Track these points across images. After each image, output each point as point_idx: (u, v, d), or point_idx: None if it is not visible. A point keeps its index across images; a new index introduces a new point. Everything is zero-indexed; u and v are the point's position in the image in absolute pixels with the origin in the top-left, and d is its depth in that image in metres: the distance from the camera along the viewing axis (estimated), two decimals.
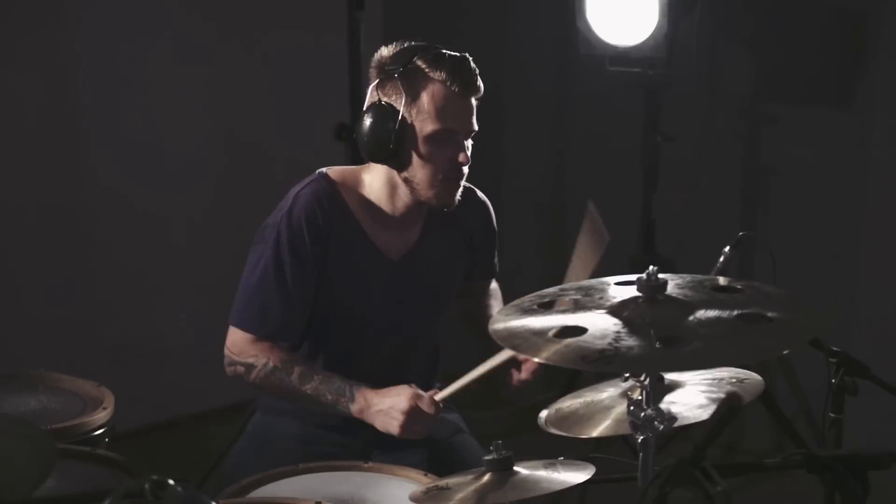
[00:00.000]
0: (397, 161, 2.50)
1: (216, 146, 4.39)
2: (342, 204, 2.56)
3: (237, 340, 2.56)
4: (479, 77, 2.50)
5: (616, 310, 1.90)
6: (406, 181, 2.52)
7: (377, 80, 2.50)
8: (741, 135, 4.22)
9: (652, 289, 1.90)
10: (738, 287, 2.00)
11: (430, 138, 2.47)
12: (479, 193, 2.74)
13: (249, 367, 2.54)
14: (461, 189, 2.56)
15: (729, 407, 1.60)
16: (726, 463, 1.83)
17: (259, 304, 2.53)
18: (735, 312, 1.87)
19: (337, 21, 3.93)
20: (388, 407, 2.44)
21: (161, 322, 4.35)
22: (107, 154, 4.15)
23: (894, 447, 1.85)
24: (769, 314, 1.87)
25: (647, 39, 3.87)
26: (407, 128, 2.47)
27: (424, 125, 2.46)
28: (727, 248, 2.30)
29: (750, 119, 4.20)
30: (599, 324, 1.86)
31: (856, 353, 2.46)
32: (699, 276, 2.06)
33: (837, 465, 1.82)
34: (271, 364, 2.52)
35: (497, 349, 2.34)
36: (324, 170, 2.60)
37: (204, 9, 4.30)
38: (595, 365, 1.76)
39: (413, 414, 2.42)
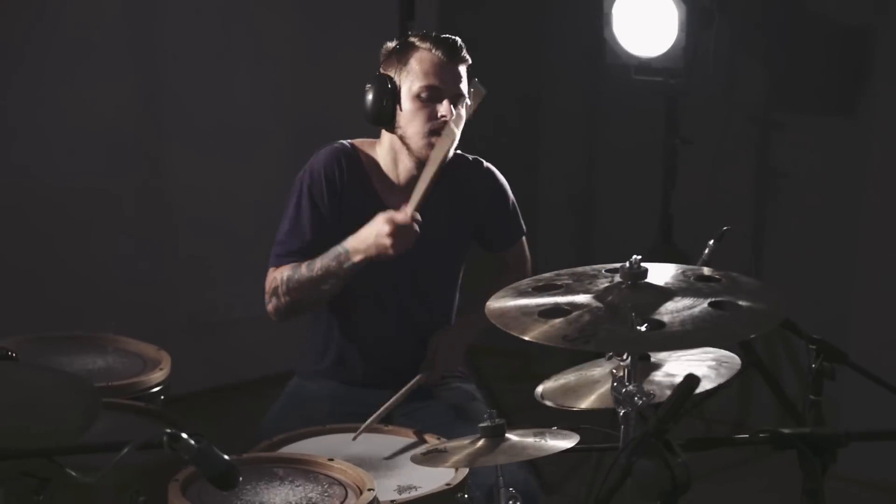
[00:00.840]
0: (391, 121, 2.56)
1: (284, 131, 4.40)
2: (358, 163, 2.62)
3: (267, 280, 2.62)
4: (464, 50, 2.55)
5: (601, 294, 1.87)
6: (401, 139, 2.57)
7: (381, 63, 2.59)
8: (753, 139, 4.14)
9: (634, 276, 1.87)
10: (717, 277, 1.96)
11: (417, 95, 2.53)
12: (486, 163, 2.73)
13: (274, 291, 2.59)
14: (453, 146, 2.52)
15: (686, 386, 1.56)
16: (699, 438, 1.80)
17: (282, 244, 2.61)
18: (709, 300, 1.83)
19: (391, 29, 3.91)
20: (374, 237, 2.46)
21: (233, 293, 4.37)
22: (182, 134, 4.17)
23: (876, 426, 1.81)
24: (740, 302, 1.82)
25: (669, 51, 3.81)
26: (397, 91, 2.54)
27: (413, 84, 2.53)
28: (711, 241, 2.25)
29: (761, 125, 4.12)
30: (583, 306, 1.83)
31: (853, 345, 2.41)
32: (684, 266, 2.01)
33: (799, 443, 1.77)
34: (286, 274, 2.56)
35: None
36: (344, 140, 2.67)
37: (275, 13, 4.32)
38: (574, 343, 1.73)
39: (396, 231, 2.44)
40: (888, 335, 3.71)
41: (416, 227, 2.46)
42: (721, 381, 2.00)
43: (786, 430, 1.82)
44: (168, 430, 1.56)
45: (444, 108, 2.52)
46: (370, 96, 2.56)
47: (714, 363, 2.07)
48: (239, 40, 4.26)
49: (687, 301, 1.82)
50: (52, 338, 2.78)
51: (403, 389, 2.49)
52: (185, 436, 1.56)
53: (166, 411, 2.46)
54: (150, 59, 4.09)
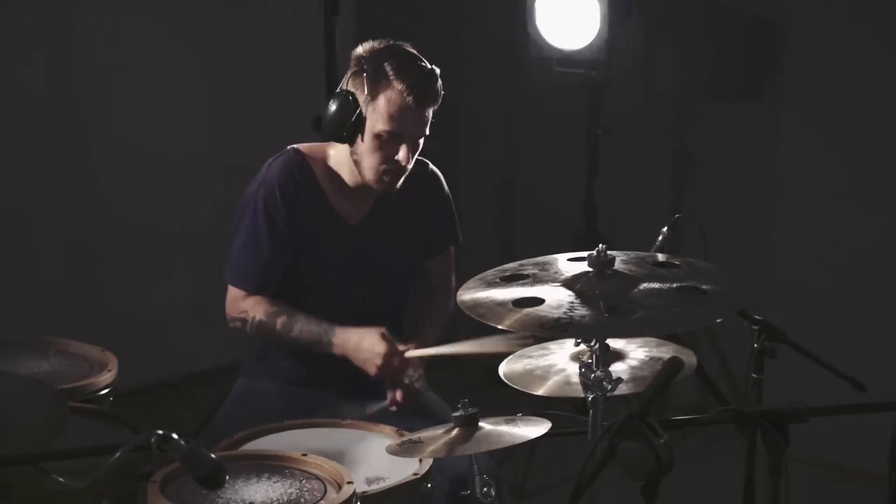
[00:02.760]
0: (350, 143, 2.52)
1: (208, 123, 4.34)
2: (310, 173, 2.58)
3: (232, 297, 2.60)
4: (440, 90, 2.49)
5: (569, 282, 1.90)
6: (355, 162, 2.54)
7: (352, 72, 2.50)
8: (671, 127, 4.24)
9: (601, 264, 1.90)
10: (676, 263, 2.00)
11: (378, 136, 2.47)
12: (431, 166, 2.72)
13: (243, 321, 2.58)
14: (402, 179, 2.54)
15: (671, 368, 1.59)
16: (662, 419, 1.84)
17: (242, 262, 2.57)
18: (674, 285, 1.87)
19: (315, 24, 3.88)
20: (364, 354, 2.48)
21: (162, 289, 4.29)
22: (110, 125, 4.07)
23: (811, 403, 1.87)
24: (704, 287, 1.87)
25: (590, 44, 3.86)
26: (362, 120, 2.47)
27: (376, 123, 2.46)
28: (665, 228, 2.30)
29: (679, 114, 4.22)
30: (555, 295, 1.85)
31: (769, 319, 2.49)
32: (642, 253, 2.05)
33: (762, 420, 1.83)
34: (258, 318, 2.55)
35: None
36: (294, 146, 2.62)
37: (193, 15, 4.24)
38: (552, 332, 1.75)
39: (386, 366, 2.47)
40: (803, 313, 3.84)
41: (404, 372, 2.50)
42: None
43: (748, 408, 1.88)
44: (158, 432, 1.54)
45: (402, 153, 2.48)
46: (332, 113, 2.49)
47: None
48: (158, 30, 4.17)
49: (653, 287, 1.85)
50: None
51: (373, 407, 2.52)
52: (175, 436, 1.54)
53: (118, 412, 2.41)
54: (70, 56, 3.98)
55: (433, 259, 2.76)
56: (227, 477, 1.89)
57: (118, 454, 1.50)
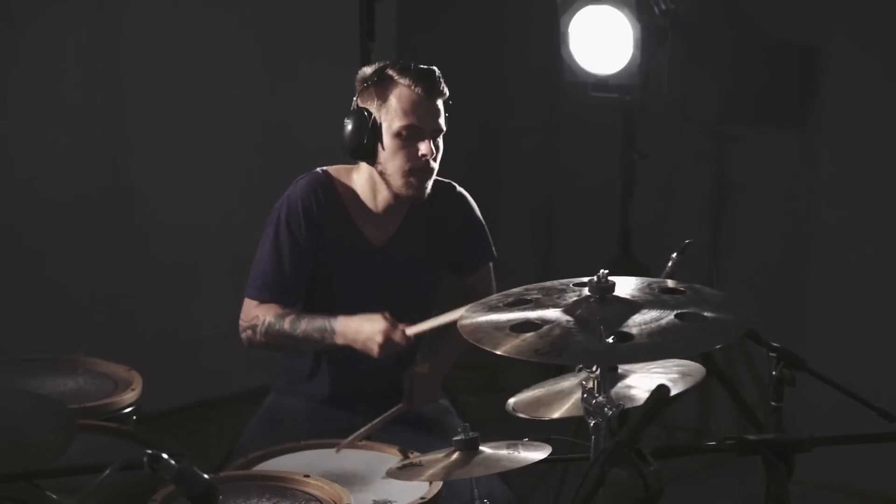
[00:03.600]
0: (372, 157, 2.54)
1: (247, 138, 4.39)
2: (335, 194, 2.60)
3: (245, 308, 2.62)
4: (443, 83, 2.54)
5: (570, 308, 1.89)
6: (381, 175, 2.55)
7: (359, 91, 2.56)
8: (707, 152, 4.19)
9: (602, 289, 1.89)
10: (681, 289, 1.98)
11: (398, 134, 2.50)
12: (458, 187, 2.73)
13: (254, 328, 2.58)
14: (431, 181, 2.55)
15: (658, 396, 1.58)
16: (667, 446, 1.82)
17: (260, 275, 2.60)
18: (674, 312, 1.85)
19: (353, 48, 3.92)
20: (364, 336, 2.47)
21: (200, 311, 4.35)
22: (150, 150, 4.14)
23: (835, 431, 1.84)
24: (705, 313, 1.85)
25: (624, 68, 3.86)
26: (378, 127, 2.51)
27: (392, 122, 2.50)
28: (674, 255, 2.28)
29: (716, 138, 4.18)
30: (553, 320, 1.84)
31: (809, 353, 2.44)
32: (648, 279, 2.04)
33: (764, 449, 1.80)
34: (267, 321, 2.56)
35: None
36: (323, 167, 2.65)
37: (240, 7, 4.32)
38: (546, 357, 1.74)
39: (387, 342, 2.46)
40: (842, 342, 3.77)
41: (407, 346, 2.49)
42: (686, 387, 2.03)
43: (751, 437, 1.85)
44: (148, 451, 1.55)
45: (424, 147, 2.51)
46: (349, 130, 2.53)
47: (677, 374, 2.09)
48: (200, 54, 4.25)
49: (654, 313, 1.84)
50: (21, 360, 2.76)
51: (383, 416, 2.47)
52: (165, 456, 1.56)
53: (139, 431, 2.44)
54: (112, 78, 4.06)
55: (471, 276, 2.75)
56: (228, 497, 1.92)
57: (107, 472, 1.52)
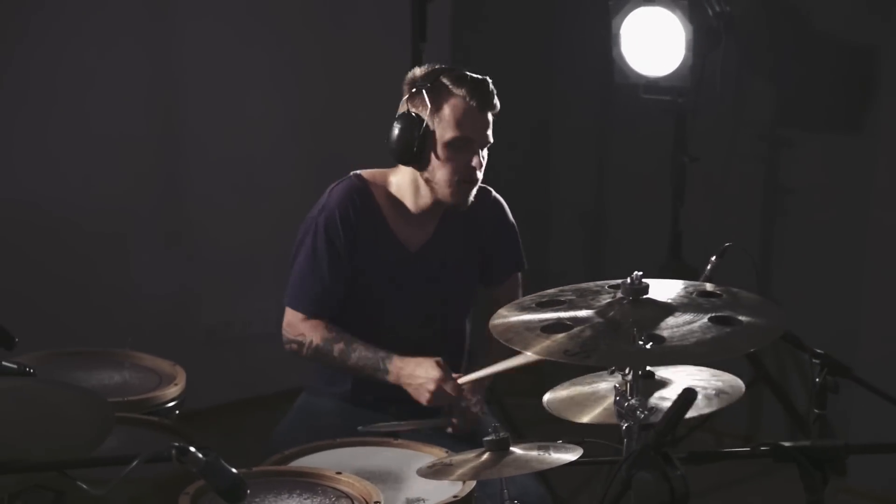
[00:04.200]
0: (420, 163, 2.54)
1: (299, 138, 4.41)
2: (371, 199, 2.61)
3: (290, 320, 2.64)
4: (495, 96, 2.54)
5: (602, 310, 1.88)
6: (427, 181, 2.56)
7: (408, 95, 2.55)
8: (760, 156, 4.13)
9: (635, 291, 1.87)
10: (718, 293, 1.96)
11: (449, 144, 2.51)
12: (494, 193, 2.73)
13: (300, 344, 2.61)
14: (475, 190, 2.57)
15: (684, 399, 1.56)
16: (700, 451, 1.80)
17: (301, 286, 2.61)
18: (709, 315, 1.83)
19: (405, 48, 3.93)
20: (417, 382, 2.49)
21: (250, 309, 4.39)
22: (204, 148, 4.19)
23: (865, 441, 1.80)
24: (740, 317, 1.82)
25: (676, 70, 3.82)
26: (430, 134, 2.51)
27: (445, 132, 2.50)
28: (713, 258, 2.25)
29: (769, 142, 4.12)
30: (585, 321, 1.83)
31: (862, 360, 2.39)
32: (686, 282, 2.01)
33: (800, 456, 1.77)
34: (315, 343, 2.58)
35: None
36: (357, 171, 2.66)
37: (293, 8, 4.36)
38: (575, 358, 1.73)
39: (438, 392, 2.47)
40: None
41: (458, 398, 2.50)
42: (719, 407, 1.99)
43: (786, 444, 1.82)
44: (176, 444, 1.57)
45: (475, 159, 2.52)
46: (397, 134, 2.53)
47: (714, 391, 2.04)
48: (253, 59, 4.29)
49: (687, 316, 1.82)
50: (70, 353, 2.81)
51: (420, 422, 2.49)
52: (192, 449, 1.57)
53: (181, 426, 2.47)
54: (166, 76, 4.12)
55: (500, 285, 2.75)
56: (259, 492, 1.93)
57: (134, 463, 1.54)
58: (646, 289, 1.86)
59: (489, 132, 2.54)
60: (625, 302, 1.86)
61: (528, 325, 1.84)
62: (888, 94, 3.77)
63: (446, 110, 2.49)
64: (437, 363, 2.49)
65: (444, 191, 2.54)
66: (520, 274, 2.79)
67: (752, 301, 1.90)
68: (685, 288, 1.98)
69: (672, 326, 1.79)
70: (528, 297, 2.00)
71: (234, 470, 1.63)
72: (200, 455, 1.57)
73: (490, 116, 2.53)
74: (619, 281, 1.91)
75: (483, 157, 2.55)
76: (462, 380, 2.50)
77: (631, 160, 4.47)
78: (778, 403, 3.94)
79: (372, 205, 2.60)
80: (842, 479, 1.83)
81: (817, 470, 1.78)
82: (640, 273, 1.87)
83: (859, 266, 3.86)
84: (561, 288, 2.02)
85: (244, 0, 4.26)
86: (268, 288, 4.39)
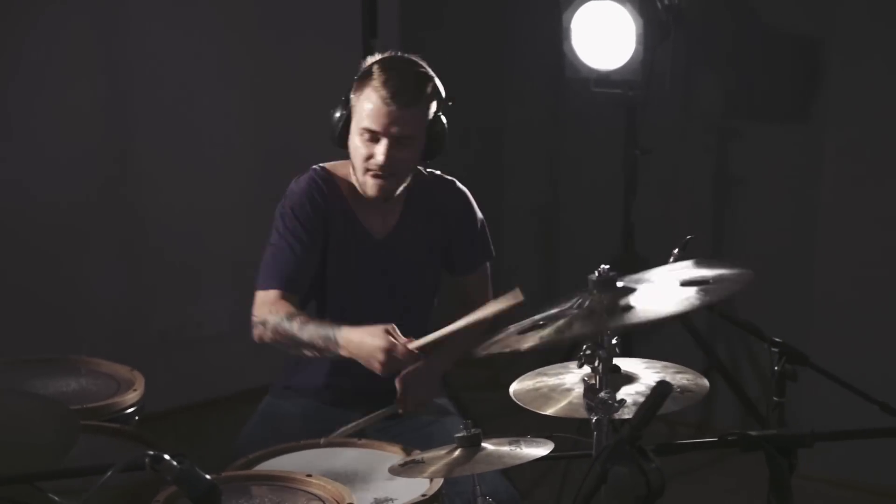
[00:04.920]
0: (346, 148, 2.57)
1: (250, 136, 4.39)
2: (336, 187, 2.62)
3: (257, 302, 2.59)
4: (419, 91, 2.50)
5: (577, 305, 1.88)
6: (353, 164, 2.57)
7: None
8: (710, 148, 4.19)
9: (604, 283, 1.89)
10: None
11: (359, 134, 2.52)
12: (459, 184, 2.73)
13: (265, 323, 2.54)
14: (400, 184, 2.56)
15: (659, 393, 1.58)
16: (670, 442, 1.82)
17: (269, 266, 2.58)
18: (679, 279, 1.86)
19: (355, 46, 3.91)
20: (367, 351, 2.42)
21: (203, 310, 4.36)
22: (153, 148, 4.14)
23: (837, 425, 1.84)
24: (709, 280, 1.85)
25: (627, 64, 3.85)
26: (351, 121, 2.54)
27: (357, 121, 2.52)
28: (676, 250, 2.27)
29: (718, 134, 4.18)
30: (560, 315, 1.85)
31: (814, 347, 2.45)
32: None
33: (767, 444, 1.81)
34: (279, 317, 2.52)
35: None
36: (318, 165, 2.67)
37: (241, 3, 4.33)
38: (551, 340, 1.75)
39: (390, 360, 2.41)
40: (846, 336, 3.77)
41: (413, 362, 2.45)
42: (682, 406, 2.02)
43: (753, 433, 1.85)
44: (150, 452, 1.56)
45: (379, 152, 2.50)
46: (333, 118, 2.57)
47: (680, 388, 2.07)
48: (203, 54, 4.25)
49: (659, 286, 1.84)
50: (25, 361, 2.76)
51: (372, 415, 2.45)
52: (167, 457, 1.56)
53: (142, 432, 2.44)
54: (117, 78, 4.07)
55: (469, 275, 2.75)
56: (231, 497, 1.92)
57: (109, 473, 1.52)
58: (615, 278, 1.87)
59: (404, 127, 2.49)
60: (595, 292, 1.87)
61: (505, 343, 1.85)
62: (833, 84, 3.83)
63: (362, 99, 2.50)
64: (386, 330, 2.43)
65: (359, 178, 2.56)
66: (488, 264, 2.79)
67: (719, 263, 1.93)
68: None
69: (643, 297, 1.81)
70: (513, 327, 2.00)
71: (207, 476, 1.62)
72: (175, 463, 1.56)
73: (410, 112, 2.49)
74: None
75: (401, 151, 2.50)
76: (414, 344, 2.43)
77: (583, 154, 4.50)
78: (730, 392, 4.00)
79: (337, 192, 2.61)
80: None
81: (784, 457, 1.82)
82: (607, 266, 1.88)
83: (810, 254, 3.93)
84: (532, 318, 2.00)
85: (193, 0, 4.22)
86: (220, 289, 4.37)
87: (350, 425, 2.42)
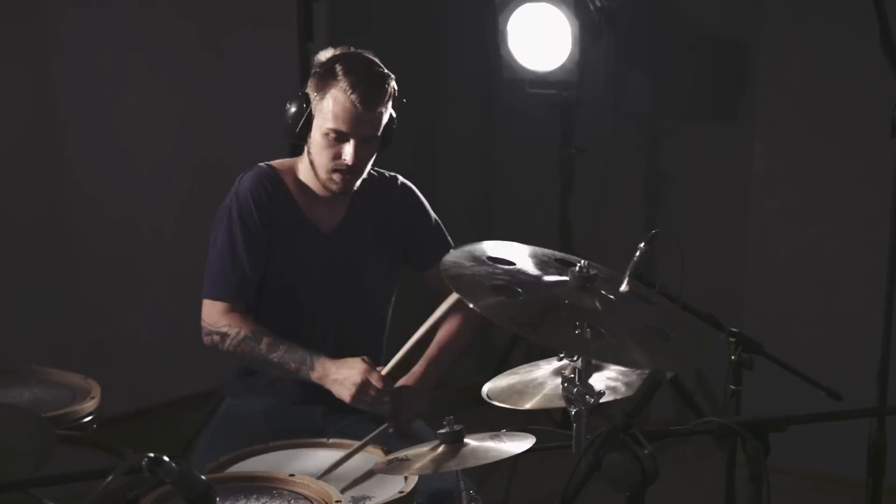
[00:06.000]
0: (304, 144, 2.56)
1: (184, 143, 4.33)
2: (281, 184, 2.61)
3: (209, 311, 2.58)
4: (386, 91, 2.50)
5: (551, 287, 1.90)
6: (311, 162, 2.57)
7: (311, 75, 2.55)
8: (643, 147, 4.29)
9: (583, 280, 1.92)
10: (652, 300, 2.02)
11: (325, 134, 2.51)
12: (402, 180, 2.74)
13: (224, 335, 2.55)
14: (359, 178, 2.57)
15: (654, 380, 1.62)
16: (647, 431, 1.86)
17: (220, 274, 2.57)
18: (644, 324, 1.88)
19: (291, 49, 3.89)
20: (342, 378, 2.46)
21: (138, 318, 4.29)
22: (86, 158, 4.06)
23: (790, 413, 1.90)
24: (670, 334, 1.88)
25: (562, 65, 3.92)
26: (312, 119, 2.52)
27: (323, 122, 2.50)
28: (642, 244, 2.33)
29: (650, 133, 4.27)
30: (535, 295, 1.86)
31: (742, 331, 2.53)
32: (619, 274, 2.07)
33: (742, 430, 1.86)
34: (242, 334, 2.53)
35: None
36: (264, 162, 2.65)
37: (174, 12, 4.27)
38: (520, 328, 1.76)
39: (363, 386, 2.44)
40: (776, 330, 3.87)
41: (384, 393, 2.47)
42: (625, 395, 2.07)
43: (727, 420, 1.90)
44: (150, 454, 1.54)
45: (347, 152, 2.50)
46: (289, 114, 2.55)
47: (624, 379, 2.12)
48: (137, 62, 4.18)
49: (628, 317, 1.87)
50: None
51: (368, 437, 2.41)
52: (166, 458, 1.55)
53: (103, 439, 2.40)
54: (48, 81, 3.98)
55: (431, 269, 2.71)
56: (217, 499, 1.90)
57: (110, 478, 1.50)
58: (594, 278, 1.90)
59: (371, 128, 2.50)
60: (570, 286, 1.90)
61: (478, 278, 1.85)
62: (760, 84, 3.95)
63: (327, 100, 2.48)
64: (363, 360, 2.48)
65: (322, 177, 2.56)
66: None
67: (685, 321, 1.97)
68: (617, 279, 2.03)
69: (611, 323, 1.83)
70: (486, 244, 2.01)
71: (203, 478, 1.61)
72: (174, 465, 1.55)
73: (376, 113, 2.49)
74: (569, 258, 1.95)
75: (367, 149, 2.52)
76: (385, 369, 2.47)
77: (518, 153, 4.55)
78: (668, 385, 4.08)
79: (283, 189, 2.60)
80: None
81: (760, 441, 1.88)
82: (587, 262, 1.92)
83: (740, 249, 4.04)
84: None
85: (126, 5, 4.15)
86: (155, 296, 4.30)
87: (347, 452, 2.36)
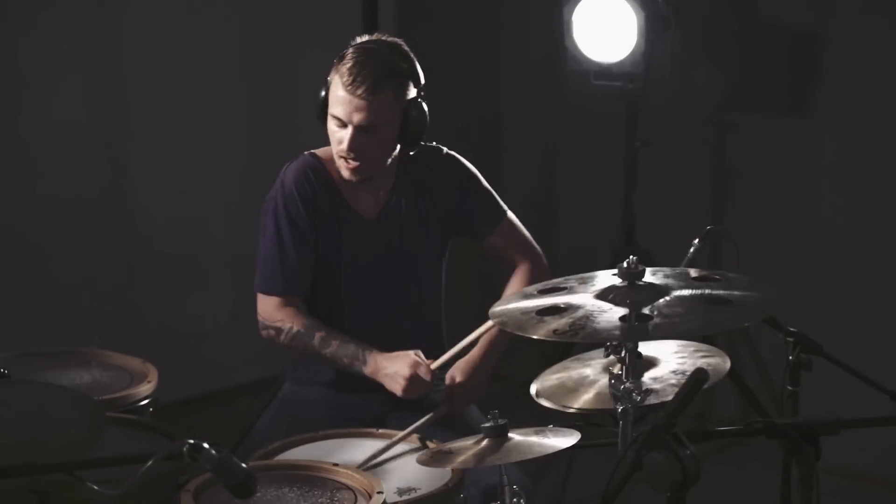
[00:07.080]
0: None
1: (248, 130, 4.38)
2: (325, 173, 2.61)
3: (264, 305, 2.61)
4: (381, 80, 2.45)
5: (601, 294, 1.90)
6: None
7: None
8: (710, 140, 4.21)
9: (631, 275, 1.90)
10: (715, 277, 1.99)
11: (330, 118, 2.52)
12: (445, 150, 2.70)
13: (278, 330, 2.58)
14: (366, 170, 2.54)
15: (696, 380, 1.59)
16: (694, 430, 1.83)
17: (270, 268, 2.59)
18: (701, 292, 1.86)
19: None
20: (392, 372, 2.47)
21: (201, 304, 4.35)
22: (146, 145, 4.13)
23: (843, 415, 1.86)
24: (733, 291, 1.86)
25: (627, 57, 3.86)
26: (327, 105, 2.53)
27: (331, 106, 2.51)
28: (696, 241, 2.29)
29: (717, 126, 4.20)
30: (579, 305, 1.86)
31: (807, 333, 2.47)
32: (680, 269, 2.05)
33: (793, 432, 1.82)
34: (295, 329, 2.56)
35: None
36: (308, 151, 2.66)
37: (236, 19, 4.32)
38: (563, 336, 1.77)
39: (413, 379, 2.45)
40: (843, 328, 3.80)
41: (431, 385, 2.49)
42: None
43: (779, 420, 1.87)
44: (190, 441, 1.56)
45: (344, 139, 2.49)
46: (319, 97, 2.55)
47: (706, 363, 2.09)
48: (200, 52, 4.24)
49: (682, 295, 1.85)
50: (37, 354, 2.75)
51: (420, 422, 2.42)
52: (206, 445, 1.56)
53: (157, 423, 2.44)
54: (113, 73, 4.05)
55: (490, 237, 2.70)
56: (259, 487, 1.92)
57: (150, 463, 1.52)
58: (642, 273, 1.88)
59: (360, 115, 2.46)
60: (622, 286, 1.89)
61: (524, 311, 1.86)
62: (831, 77, 3.87)
63: (334, 83, 2.49)
64: (413, 354, 2.49)
65: (336, 162, 2.56)
66: (510, 217, 2.75)
67: (745, 282, 1.94)
68: (679, 273, 2.01)
69: (664, 305, 1.82)
70: (531, 287, 2.02)
71: (243, 465, 1.62)
72: (214, 452, 1.56)
73: (365, 100, 2.45)
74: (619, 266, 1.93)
75: (368, 139, 2.48)
76: (435, 364, 2.49)
77: (583, 147, 4.51)
78: (730, 381, 4.03)
79: (326, 178, 2.60)
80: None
81: (810, 445, 1.84)
82: (636, 258, 1.90)
83: (807, 246, 3.96)
84: (565, 277, 2.03)
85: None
86: (218, 283, 4.36)
87: (388, 442, 2.37)
